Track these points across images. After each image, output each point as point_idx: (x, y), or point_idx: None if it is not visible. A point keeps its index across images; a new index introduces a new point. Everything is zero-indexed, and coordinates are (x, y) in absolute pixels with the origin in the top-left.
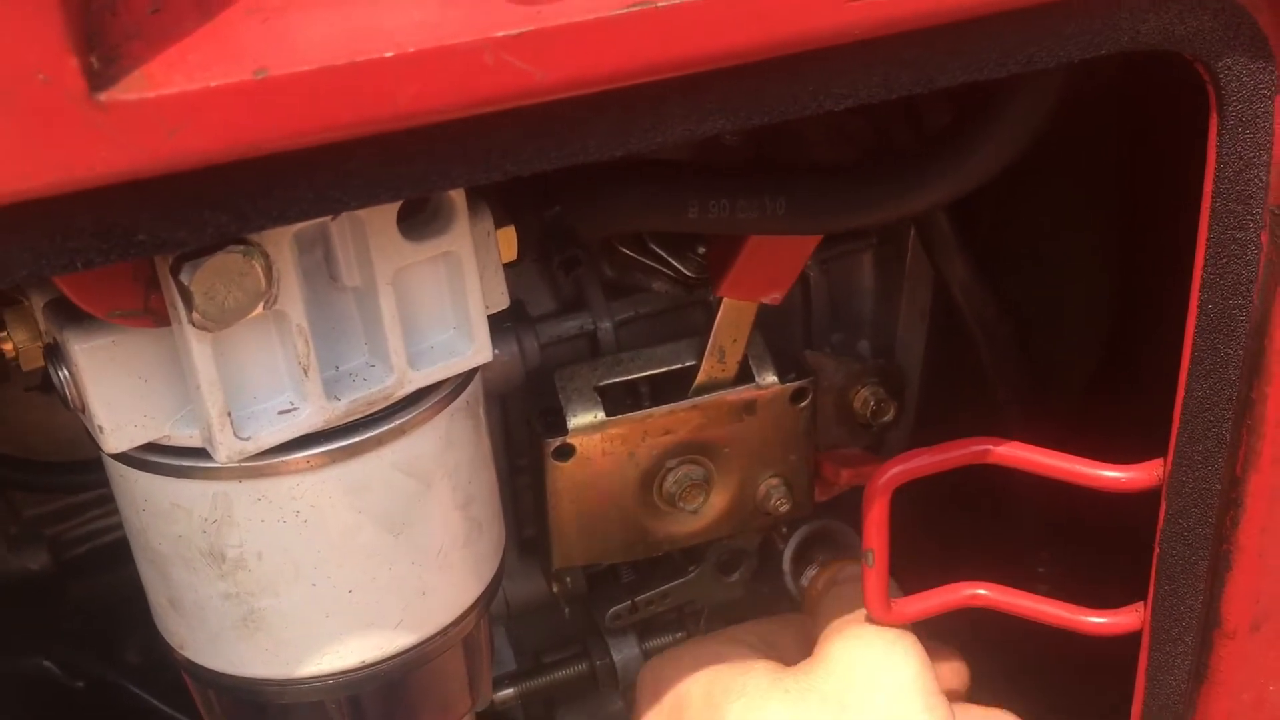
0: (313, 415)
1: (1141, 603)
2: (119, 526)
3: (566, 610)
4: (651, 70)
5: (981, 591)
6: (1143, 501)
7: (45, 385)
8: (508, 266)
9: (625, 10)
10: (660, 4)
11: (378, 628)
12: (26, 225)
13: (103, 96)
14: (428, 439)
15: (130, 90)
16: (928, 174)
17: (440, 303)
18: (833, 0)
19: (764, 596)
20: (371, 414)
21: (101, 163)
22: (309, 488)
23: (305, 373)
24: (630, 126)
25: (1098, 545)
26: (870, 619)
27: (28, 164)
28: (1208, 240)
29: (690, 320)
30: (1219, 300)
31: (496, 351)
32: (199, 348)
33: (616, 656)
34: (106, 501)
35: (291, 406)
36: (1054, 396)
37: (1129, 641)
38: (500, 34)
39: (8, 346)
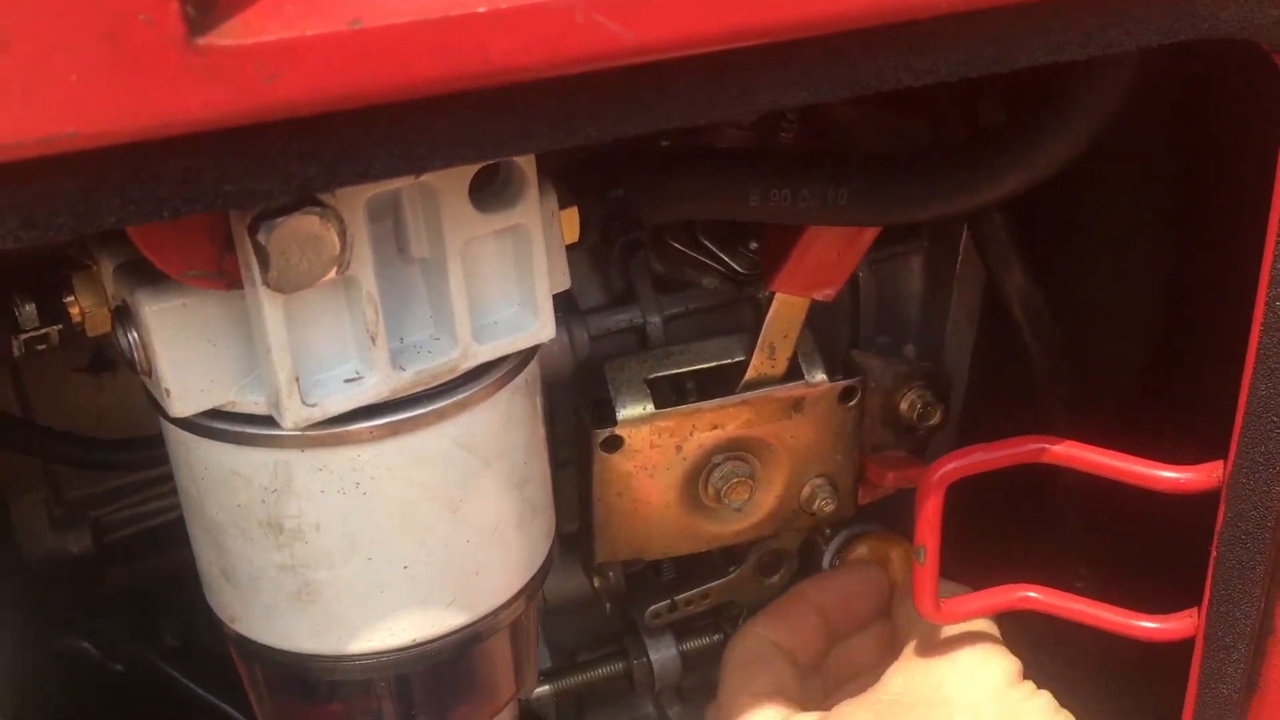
0: (378, 384)
1: (1195, 608)
2: (161, 511)
3: (607, 606)
4: (740, 36)
5: (1032, 594)
6: (1190, 507)
7: (92, 366)
8: (568, 245)
9: None
10: None
11: (430, 606)
12: (118, 170)
13: (201, 41)
14: (488, 415)
15: (228, 36)
16: (993, 166)
17: (506, 278)
18: None
19: None
20: (434, 387)
21: (197, 108)
22: (370, 459)
23: (373, 341)
24: (715, 94)
25: (1135, 554)
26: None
27: (127, 106)
28: (1277, 239)
29: (739, 317)
30: None
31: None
32: (271, 311)
33: (653, 656)
34: (148, 486)
35: (357, 375)
36: (1102, 402)
37: (1181, 647)
38: None
39: (75, 311)
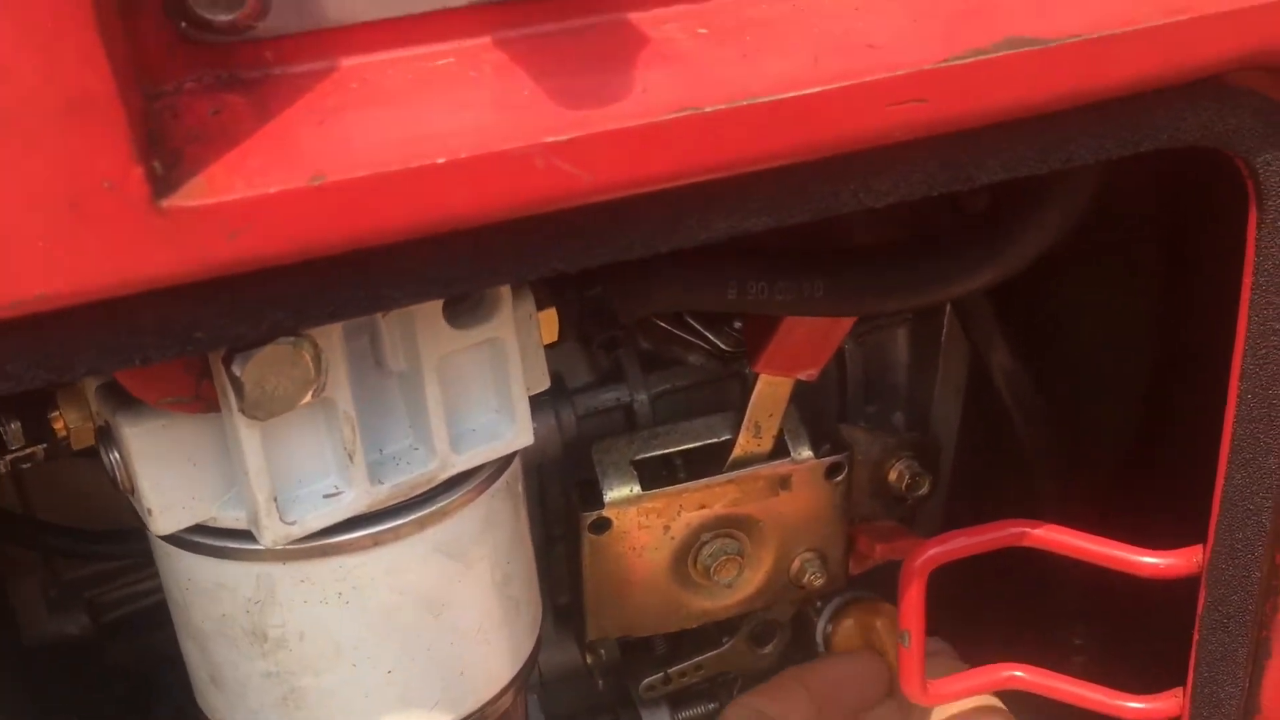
0: (357, 499)
1: (1180, 688)
2: (157, 590)
3: (600, 682)
4: (697, 172)
5: (1019, 674)
6: (1179, 580)
7: (85, 451)
8: (547, 344)
9: (673, 115)
10: (706, 109)
11: (416, 707)
12: (90, 325)
13: (165, 203)
14: (468, 520)
15: (192, 196)
16: (966, 259)
17: (483, 387)
18: (874, 104)
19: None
20: (414, 497)
21: (163, 265)
22: (351, 569)
23: (350, 458)
24: (674, 225)
25: (1132, 620)
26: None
27: (94, 268)
28: (1246, 331)
29: (726, 393)
30: (1259, 390)
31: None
32: (248, 436)
33: None
34: (145, 565)
35: (336, 490)
36: (1088, 473)
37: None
38: (550, 139)
39: (59, 425)
